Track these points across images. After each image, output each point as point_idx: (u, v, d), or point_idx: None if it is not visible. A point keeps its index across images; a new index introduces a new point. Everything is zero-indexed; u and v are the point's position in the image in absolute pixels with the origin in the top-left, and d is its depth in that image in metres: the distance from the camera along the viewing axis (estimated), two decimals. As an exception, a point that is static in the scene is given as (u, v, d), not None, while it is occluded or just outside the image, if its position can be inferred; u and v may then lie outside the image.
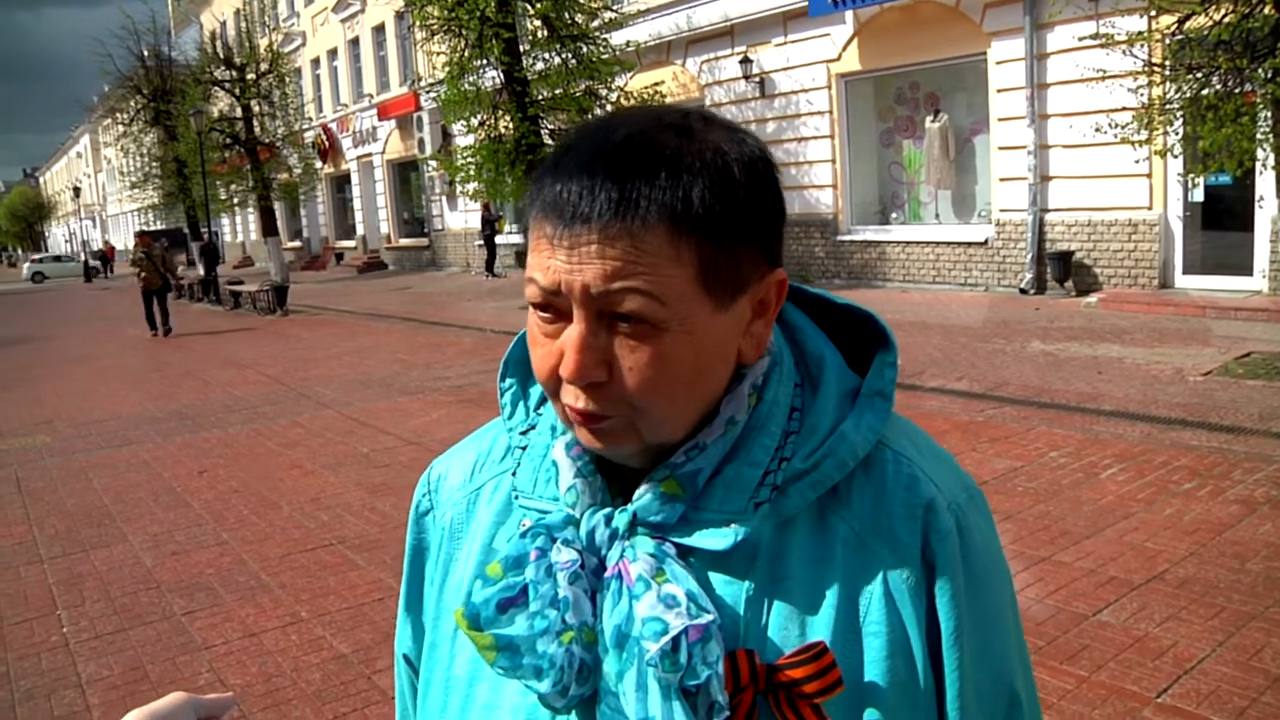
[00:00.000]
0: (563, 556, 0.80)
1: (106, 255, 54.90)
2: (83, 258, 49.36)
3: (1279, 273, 10.87)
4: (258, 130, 28.08)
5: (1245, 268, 11.53)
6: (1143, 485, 5.55)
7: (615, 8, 16.57)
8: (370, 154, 31.79)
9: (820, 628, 0.79)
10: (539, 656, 0.78)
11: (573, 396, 0.78)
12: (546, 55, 16.15)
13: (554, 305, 0.77)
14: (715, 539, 0.79)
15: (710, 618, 0.75)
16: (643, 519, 0.81)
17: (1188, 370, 8.14)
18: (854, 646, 0.79)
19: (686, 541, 0.80)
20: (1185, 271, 12.11)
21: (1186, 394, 7.30)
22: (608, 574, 0.80)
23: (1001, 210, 13.85)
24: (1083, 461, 6.04)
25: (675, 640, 0.73)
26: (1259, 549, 4.55)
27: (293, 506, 6.46)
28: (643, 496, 0.81)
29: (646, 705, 0.75)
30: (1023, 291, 13.41)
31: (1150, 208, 12.15)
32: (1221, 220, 11.88)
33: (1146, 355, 8.93)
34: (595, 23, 16.23)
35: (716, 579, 0.80)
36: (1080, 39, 9.93)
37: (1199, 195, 11.81)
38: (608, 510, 0.82)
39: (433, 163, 23.90)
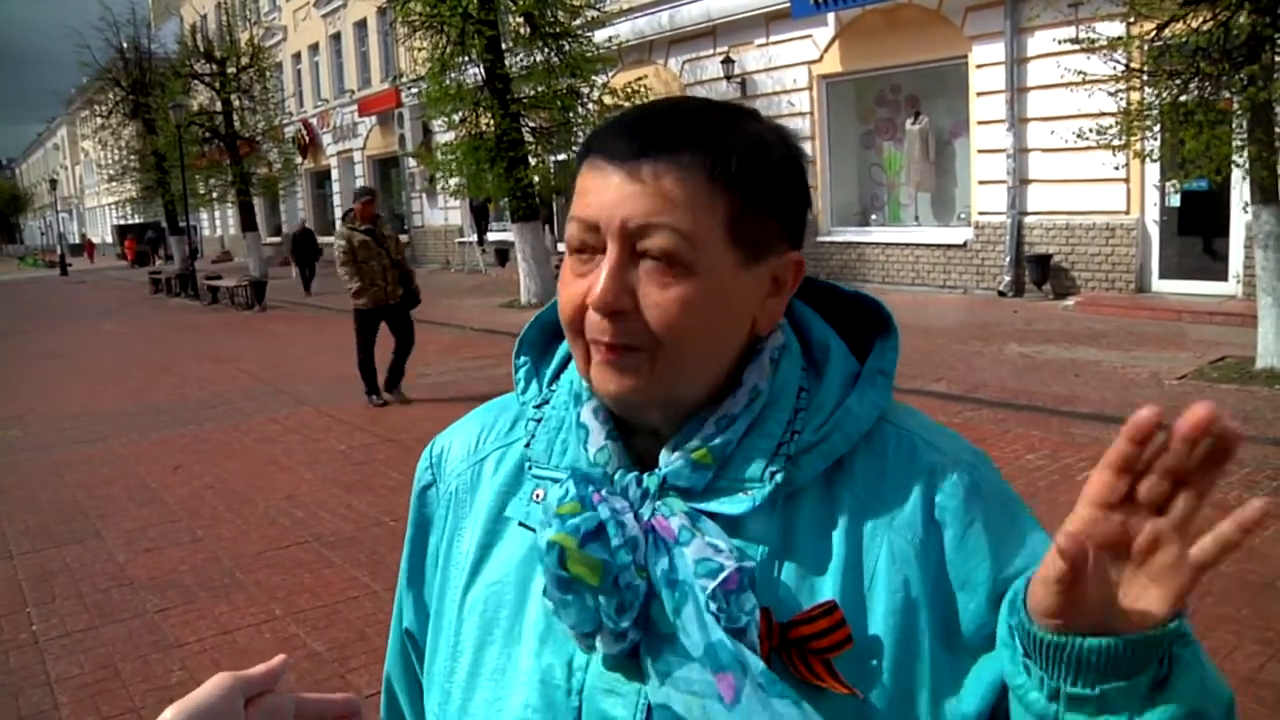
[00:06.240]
0: (616, 503, 0.83)
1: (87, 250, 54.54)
2: (59, 251, 48.88)
3: (1253, 278, 10.97)
4: (238, 125, 27.84)
5: (1220, 273, 11.65)
6: (1118, 488, 5.57)
7: (598, 6, 16.54)
8: (351, 150, 31.62)
9: (829, 588, 0.82)
10: (622, 590, 0.80)
11: (598, 330, 0.82)
12: (529, 53, 16.11)
13: (589, 245, 0.82)
14: (733, 504, 0.84)
15: (752, 563, 0.79)
16: (672, 483, 0.85)
17: (1163, 374, 8.21)
18: (861, 606, 0.82)
19: (707, 507, 0.84)
20: (1162, 276, 12.21)
21: (1162, 398, 7.35)
22: (642, 528, 0.83)
23: (980, 213, 13.93)
24: (1059, 464, 6.08)
25: (713, 590, 0.77)
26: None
27: (268, 503, 6.42)
28: (674, 463, 0.85)
29: (709, 632, 0.77)
30: (1001, 294, 13.49)
31: (1128, 212, 12.24)
32: (1197, 225, 11.99)
33: (1123, 358, 9.00)
34: (578, 21, 16.20)
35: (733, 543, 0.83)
36: (1060, 41, 9.98)
37: (1175, 200, 11.91)
38: (635, 473, 0.86)
39: (413, 159, 23.82)
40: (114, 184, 38.88)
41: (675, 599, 0.79)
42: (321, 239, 34.25)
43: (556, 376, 0.97)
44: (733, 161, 0.80)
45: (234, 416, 9.40)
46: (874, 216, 16.08)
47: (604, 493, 0.83)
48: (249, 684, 0.77)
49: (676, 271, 0.79)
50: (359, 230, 8.94)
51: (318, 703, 0.82)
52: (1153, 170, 11.39)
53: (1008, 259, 13.44)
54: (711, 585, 0.77)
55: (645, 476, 0.85)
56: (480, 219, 23.96)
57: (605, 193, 0.80)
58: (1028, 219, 13.32)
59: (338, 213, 32.72)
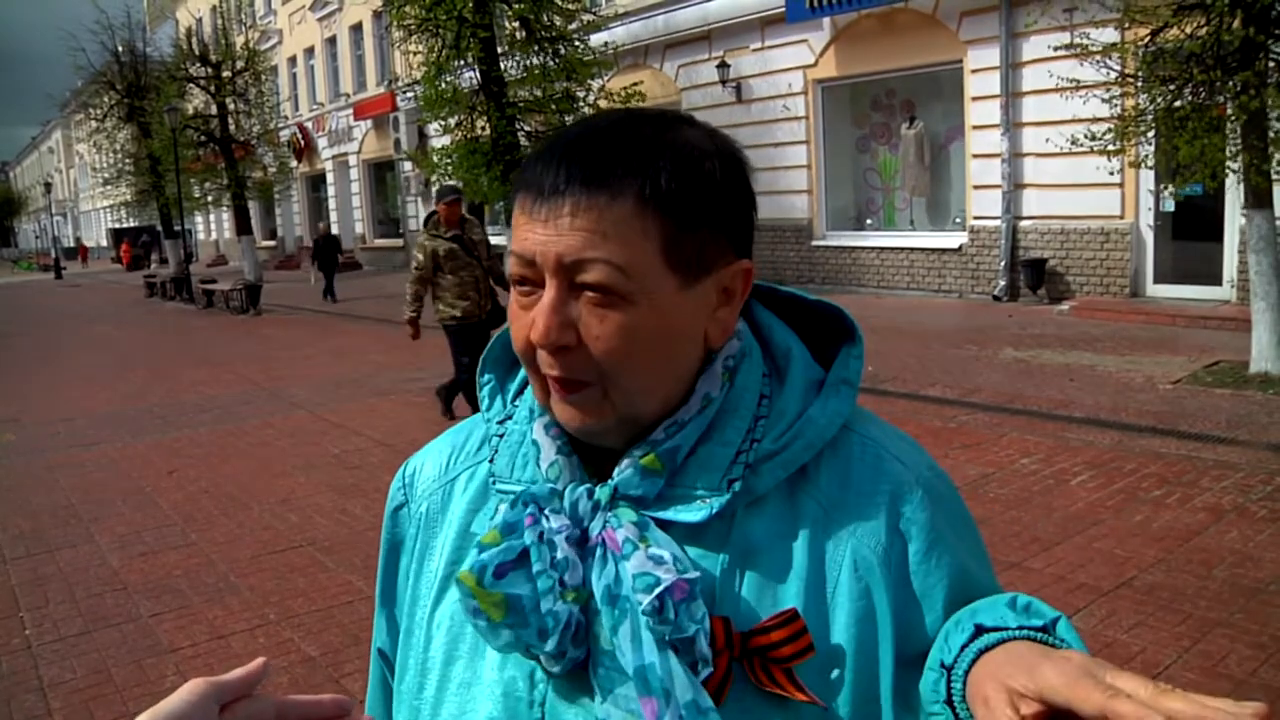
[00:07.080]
0: (554, 523, 0.83)
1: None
2: (53, 255, 48.80)
3: (1247, 282, 10.99)
4: (233, 128, 27.80)
5: (1214, 277, 11.66)
6: (1112, 492, 5.59)
7: (594, 10, 16.54)
8: (346, 154, 31.60)
9: (791, 597, 0.82)
10: (543, 616, 0.79)
11: (548, 364, 0.81)
12: (525, 56, 16.11)
13: (529, 278, 0.81)
14: (690, 512, 0.83)
15: (696, 574, 0.78)
16: (624, 492, 0.84)
17: (1158, 378, 8.22)
18: (823, 615, 0.82)
19: (663, 515, 0.83)
20: (1156, 280, 12.23)
21: (1156, 402, 7.37)
22: (591, 543, 0.82)
23: (975, 217, 13.94)
24: (1053, 468, 6.08)
25: (661, 599, 0.76)
26: (1225, 556, 4.59)
27: (263, 507, 6.40)
28: (624, 471, 0.84)
29: (643, 654, 0.77)
30: (996, 298, 13.51)
31: (1122, 217, 12.26)
32: (1192, 230, 12.00)
33: (1117, 363, 9.01)
34: (573, 25, 16.21)
35: (693, 552, 0.83)
36: (1055, 49, 10.00)
37: (1170, 205, 11.93)
38: (588, 485, 0.85)
39: (408, 163, 23.82)
40: (109, 187, 38.85)
41: (614, 616, 0.78)
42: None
43: (521, 392, 0.97)
44: (663, 182, 0.78)
45: (229, 420, 9.39)
46: (869, 221, 16.09)
47: (548, 511, 0.83)
48: (223, 689, 0.75)
49: (615, 302, 0.78)
50: (444, 237, 7.61)
51: (303, 704, 0.78)
52: (1147, 175, 11.40)
53: (1002, 263, 13.46)
54: (646, 600, 0.76)
55: (598, 488, 0.84)
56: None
57: (537, 228, 0.79)
58: (1023, 223, 13.34)
59: (334, 216, 32.69)
